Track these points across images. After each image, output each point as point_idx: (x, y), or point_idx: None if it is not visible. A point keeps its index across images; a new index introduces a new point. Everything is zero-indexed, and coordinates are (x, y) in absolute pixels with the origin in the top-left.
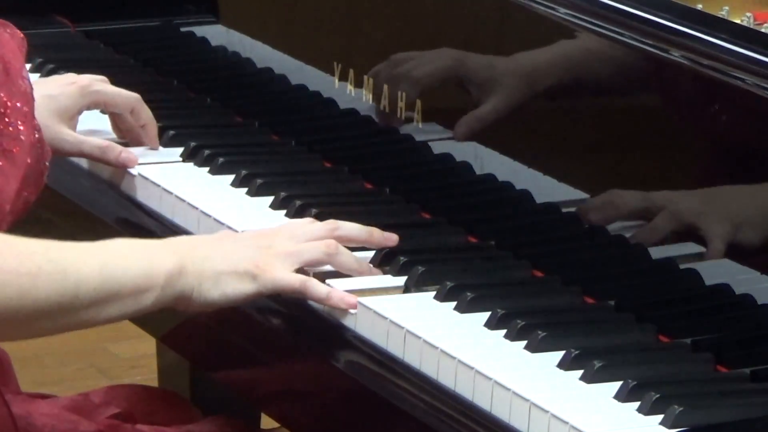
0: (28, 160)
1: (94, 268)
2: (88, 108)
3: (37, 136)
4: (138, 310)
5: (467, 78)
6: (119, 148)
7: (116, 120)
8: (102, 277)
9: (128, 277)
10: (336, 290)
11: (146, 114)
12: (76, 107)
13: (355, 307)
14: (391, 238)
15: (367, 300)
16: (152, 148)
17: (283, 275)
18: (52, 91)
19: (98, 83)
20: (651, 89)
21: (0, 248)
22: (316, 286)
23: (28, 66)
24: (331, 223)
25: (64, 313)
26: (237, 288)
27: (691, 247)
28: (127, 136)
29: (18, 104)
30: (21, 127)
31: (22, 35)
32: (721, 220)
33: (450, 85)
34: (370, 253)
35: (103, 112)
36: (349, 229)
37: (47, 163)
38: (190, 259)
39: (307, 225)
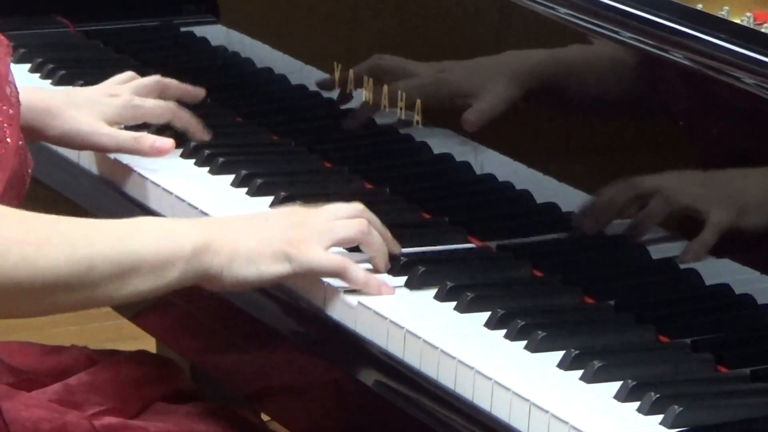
0: (13, 164)
1: (111, 241)
2: (129, 122)
3: (21, 142)
4: (161, 287)
5: (456, 87)
6: (152, 137)
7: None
8: (120, 250)
9: (149, 251)
10: (375, 277)
11: (186, 118)
12: (118, 118)
13: (392, 293)
14: (396, 247)
15: (367, 300)
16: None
17: (320, 256)
18: (94, 97)
19: (137, 98)
20: (650, 89)
21: (6, 218)
22: (355, 271)
23: (27, 66)
24: (359, 204)
25: (78, 288)
26: (271, 268)
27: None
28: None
29: (4, 107)
30: (7, 131)
31: (7, 41)
32: (719, 203)
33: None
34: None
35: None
36: (372, 216)
37: (29, 171)
38: (220, 236)
39: (338, 204)
